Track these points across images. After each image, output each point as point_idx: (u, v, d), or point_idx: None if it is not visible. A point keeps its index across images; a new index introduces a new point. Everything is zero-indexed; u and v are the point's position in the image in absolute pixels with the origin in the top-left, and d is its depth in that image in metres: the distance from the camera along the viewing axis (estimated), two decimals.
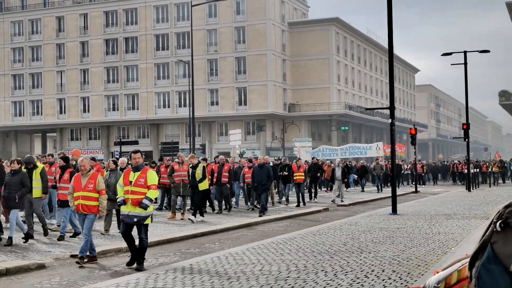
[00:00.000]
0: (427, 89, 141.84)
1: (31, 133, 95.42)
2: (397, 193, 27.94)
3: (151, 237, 15.98)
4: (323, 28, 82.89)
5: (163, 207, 25.74)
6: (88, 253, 12.10)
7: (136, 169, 11.73)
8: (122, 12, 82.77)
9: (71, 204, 12.56)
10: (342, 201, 29.68)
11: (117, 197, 12.27)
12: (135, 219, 11.37)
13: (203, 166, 21.10)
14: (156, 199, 27.37)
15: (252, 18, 77.58)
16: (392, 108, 21.77)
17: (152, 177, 11.64)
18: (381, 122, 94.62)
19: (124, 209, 11.53)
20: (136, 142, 57.52)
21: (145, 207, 11.37)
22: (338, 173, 29.98)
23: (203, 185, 20.97)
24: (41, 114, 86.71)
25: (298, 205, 26.73)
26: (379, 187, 41.68)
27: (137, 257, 11.48)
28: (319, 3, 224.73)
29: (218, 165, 25.13)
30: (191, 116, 60.43)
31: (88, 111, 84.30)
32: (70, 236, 15.97)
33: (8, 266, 11.45)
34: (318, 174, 32.46)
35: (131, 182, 11.55)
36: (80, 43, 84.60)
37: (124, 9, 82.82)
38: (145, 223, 11.52)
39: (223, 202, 25.12)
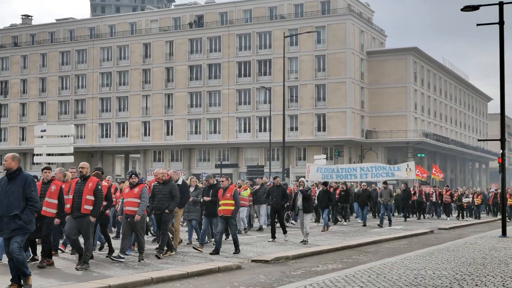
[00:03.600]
0: (499, 117, 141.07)
1: (114, 154, 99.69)
2: (481, 221, 29.45)
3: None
4: (401, 57, 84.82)
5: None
6: None
7: None
8: (206, 39, 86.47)
9: None
10: (305, 240, 20.84)
11: None
12: None
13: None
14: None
15: (332, 47, 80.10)
16: (503, 139, 23.75)
17: None
18: (455, 150, 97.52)
19: None
20: (235, 165, 59.44)
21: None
22: (300, 200, 21.09)
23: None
24: (126, 136, 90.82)
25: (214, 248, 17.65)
26: (389, 218, 31.28)
27: None
28: (394, 31, 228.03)
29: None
30: (271, 141, 63.21)
31: (171, 134, 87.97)
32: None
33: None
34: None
35: None
36: (165, 68, 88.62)
37: (208, 37, 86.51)
38: None
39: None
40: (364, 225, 30.64)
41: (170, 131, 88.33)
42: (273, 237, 21.31)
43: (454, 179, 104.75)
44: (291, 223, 29.78)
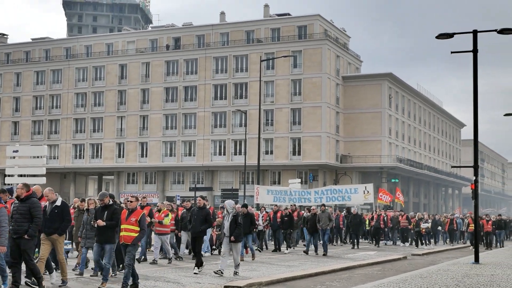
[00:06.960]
0: (472, 143, 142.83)
1: (87, 175, 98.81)
2: (454, 247, 29.46)
3: None
4: (376, 82, 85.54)
5: None
6: None
7: None
8: (183, 62, 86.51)
9: None
10: (221, 271, 18.06)
11: None
12: None
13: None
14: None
15: (308, 71, 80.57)
16: (476, 166, 23.90)
17: None
18: (429, 175, 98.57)
19: None
20: (210, 188, 59.49)
21: None
22: (227, 224, 18.54)
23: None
24: (100, 157, 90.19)
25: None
26: (324, 246, 28.59)
27: None
28: (370, 56, 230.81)
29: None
30: (246, 164, 63.20)
31: (146, 156, 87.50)
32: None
33: None
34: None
35: None
36: (141, 90, 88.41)
37: (185, 59, 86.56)
38: None
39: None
40: (306, 253, 27.73)
41: (144, 153, 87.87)
42: (198, 266, 18.74)
43: (427, 204, 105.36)
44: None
